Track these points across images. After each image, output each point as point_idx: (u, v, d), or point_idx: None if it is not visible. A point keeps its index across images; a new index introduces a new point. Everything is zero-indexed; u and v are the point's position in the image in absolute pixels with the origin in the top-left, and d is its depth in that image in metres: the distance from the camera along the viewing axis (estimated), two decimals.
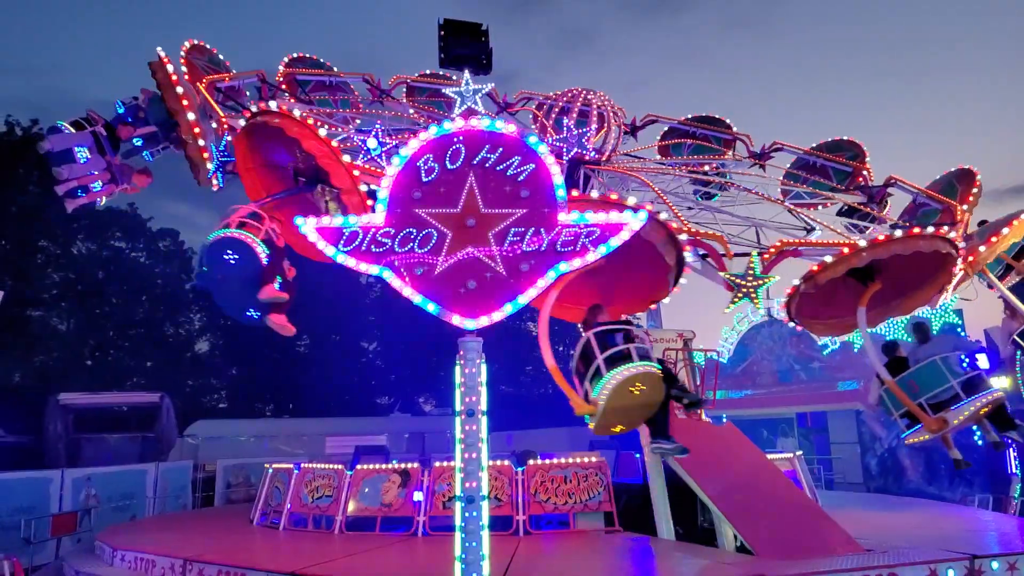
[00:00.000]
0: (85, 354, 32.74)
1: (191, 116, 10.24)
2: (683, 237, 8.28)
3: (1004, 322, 10.52)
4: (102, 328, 33.27)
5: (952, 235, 8.73)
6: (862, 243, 8.48)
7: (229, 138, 10.43)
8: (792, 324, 9.62)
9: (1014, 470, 14.74)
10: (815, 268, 8.64)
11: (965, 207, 11.38)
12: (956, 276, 9.36)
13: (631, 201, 7.40)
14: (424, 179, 6.30)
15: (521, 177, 6.25)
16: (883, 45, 77.36)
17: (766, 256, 9.34)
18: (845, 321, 9.73)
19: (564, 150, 11.72)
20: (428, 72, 14.85)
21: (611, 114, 13.01)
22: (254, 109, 8.94)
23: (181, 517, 15.49)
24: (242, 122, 9.20)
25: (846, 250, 8.49)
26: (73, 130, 10.58)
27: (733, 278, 9.14)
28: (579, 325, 8.45)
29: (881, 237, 8.48)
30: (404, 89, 14.60)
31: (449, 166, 6.31)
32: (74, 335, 31.94)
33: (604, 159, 12.76)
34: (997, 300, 11.04)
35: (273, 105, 8.97)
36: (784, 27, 79.79)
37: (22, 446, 20.85)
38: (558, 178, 6.28)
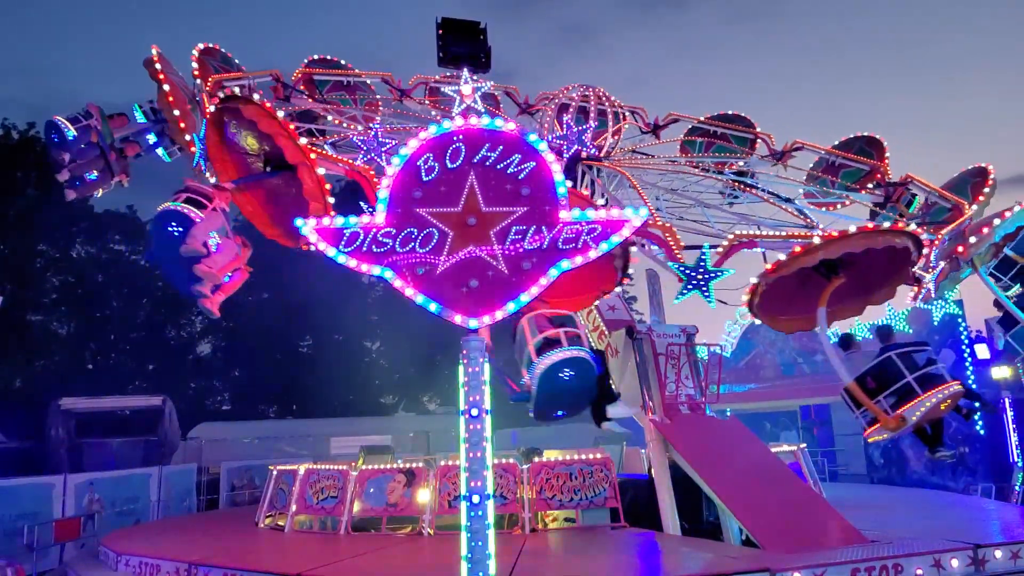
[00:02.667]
0: (86, 358, 32.70)
1: (176, 112, 10.30)
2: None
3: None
4: (103, 332, 33.22)
5: (912, 228, 8.56)
6: (816, 240, 8.29)
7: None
8: (755, 320, 9.55)
9: (1016, 459, 14.77)
10: (769, 267, 8.52)
11: (976, 206, 11.29)
12: (919, 270, 9.44)
13: None
14: (424, 178, 6.28)
15: (522, 175, 6.22)
16: (886, 38, 77.29)
17: (718, 250, 9.44)
18: (808, 318, 9.56)
19: (564, 147, 11.71)
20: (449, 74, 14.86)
21: (613, 110, 13.01)
22: (222, 95, 9.12)
23: (186, 520, 15.50)
24: (212, 108, 9.43)
25: (798, 248, 8.36)
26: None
27: (684, 270, 9.15)
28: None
29: (835, 233, 8.35)
30: (425, 89, 14.86)
31: (449, 165, 6.28)
32: (75, 339, 31.91)
33: (603, 155, 12.74)
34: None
35: (236, 90, 9.12)
36: (788, 22, 79.64)
37: (24, 451, 20.82)
38: (559, 175, 6.26)
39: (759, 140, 14.61)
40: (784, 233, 10.42)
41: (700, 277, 8.91)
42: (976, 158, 12.15)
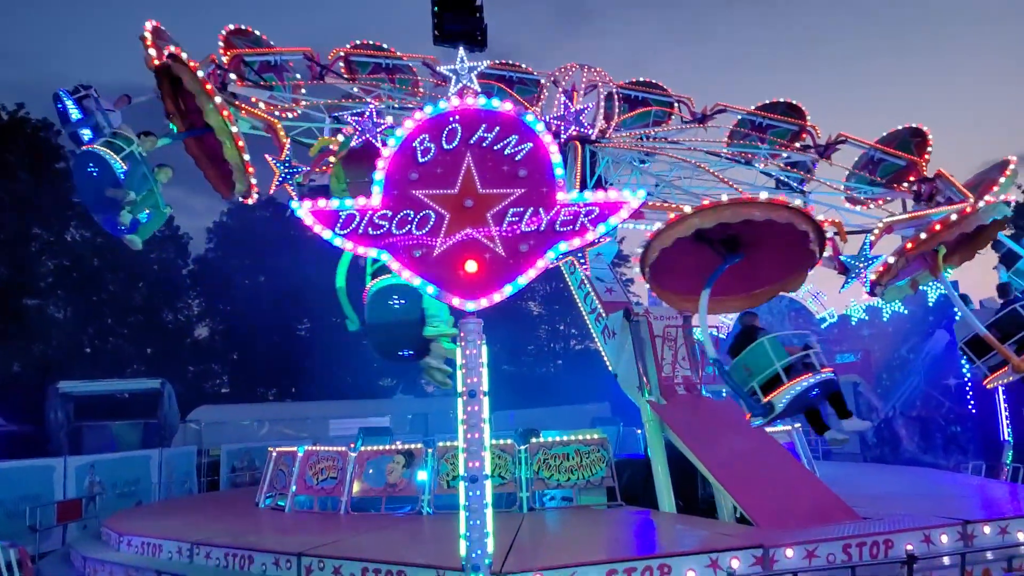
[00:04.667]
0: (84, 342, 32.69)
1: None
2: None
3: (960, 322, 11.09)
4: (100, 315, 33.18)
5: (802, 204, 8.66)
6: (687, 208, 8.13)
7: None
8: (652, 290, 9.47)
9: (1006, 437, 14.94)
10: (649, 235, 8.23)
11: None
12: (819, 257, 8.91)
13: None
14: (420, 160, 6.24)
15: (519, 156, 6.18)
16: (887, 21, 76.36)
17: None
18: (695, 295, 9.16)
19: (561, 128, 11.61)
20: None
21: (613, 91, 12.91)
22: (167, 52, 8.59)
23: (187, 502, 15.63)
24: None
25: (672, 216, 8.17)
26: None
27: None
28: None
29: (706, 201, 8.12)
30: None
31: (446, 146, 6.23)
32: (72, 323, 31.86)
33: (601, 135, 12.67)
34: (992, 272, 11.27)
35: (173, 48, 8.48)
36: (792, 2, 78.38)
37: (24, 435, 20.93)
38: (556, 157, 6.22)
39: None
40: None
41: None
42: (973, 140, 12.22)
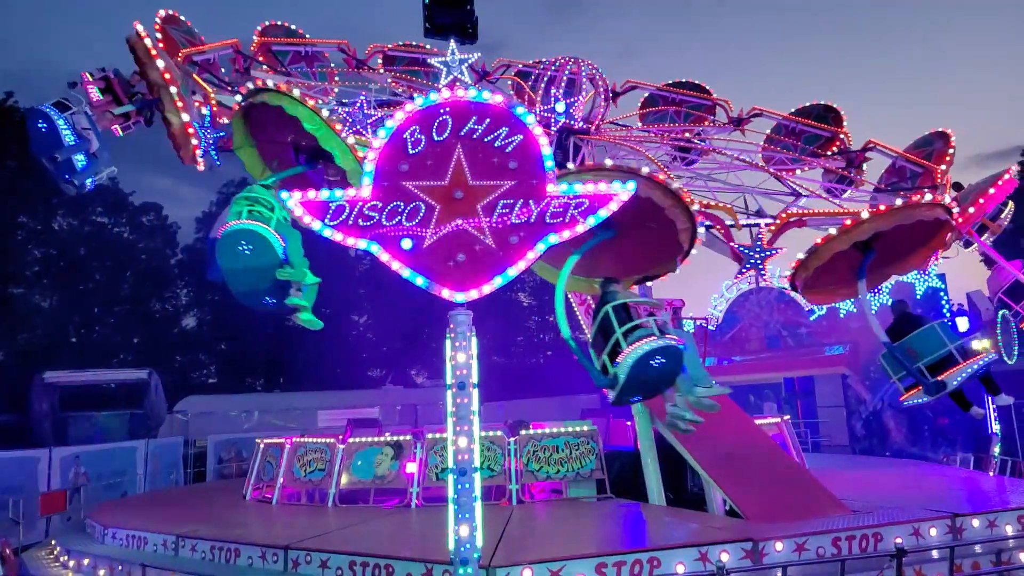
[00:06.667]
0: (70, 331, 32.37)
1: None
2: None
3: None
4: (86, 305, 32.85)
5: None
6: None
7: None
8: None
9: (994, 430, 15.06)
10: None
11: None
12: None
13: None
14: (411, 151, 6.17)
15: (509, 148, 6.13)
16: (875, 13, 76.38)
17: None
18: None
19: (552, 120, 11.56)
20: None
21: (599, 83, 12.80)
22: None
23: (173, 493, 15.53)
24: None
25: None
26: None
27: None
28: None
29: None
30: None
31: (436, 138, 6.18)
32: (58, 312, 31.55)
33: (592, 128, 12.59)
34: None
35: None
36: None
37: (8, 425, 20.69)
38: (546, 149, 6.18)
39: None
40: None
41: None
42: (960, 130, 12.35)
